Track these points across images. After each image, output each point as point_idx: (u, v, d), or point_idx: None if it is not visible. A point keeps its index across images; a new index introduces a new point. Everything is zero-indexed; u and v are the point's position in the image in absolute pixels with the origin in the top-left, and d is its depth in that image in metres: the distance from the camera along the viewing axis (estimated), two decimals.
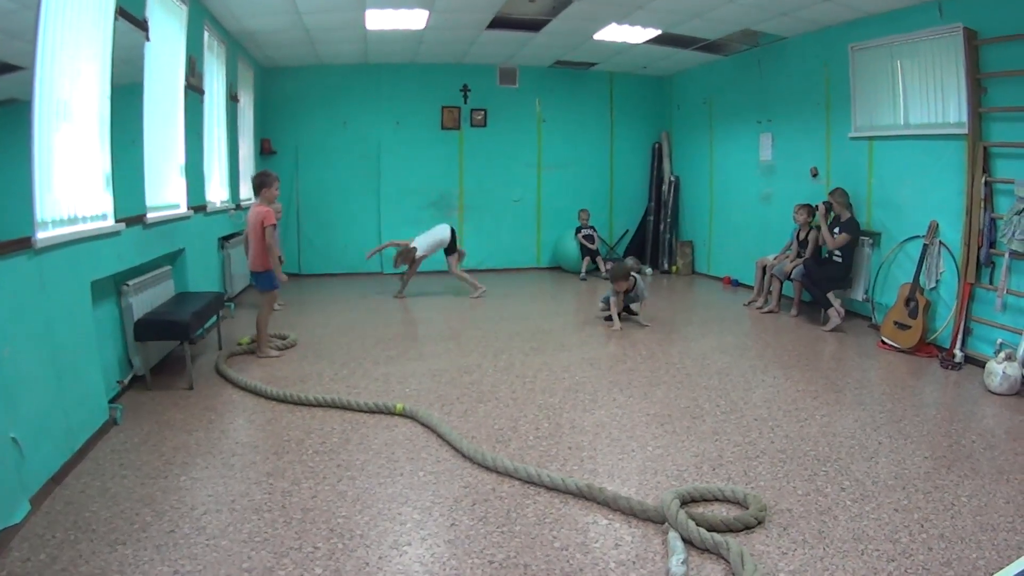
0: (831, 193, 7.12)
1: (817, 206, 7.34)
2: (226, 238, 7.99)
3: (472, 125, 11.18)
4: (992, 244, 5.65)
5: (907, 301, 6.23)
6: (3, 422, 2.95)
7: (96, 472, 3.60)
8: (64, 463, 3.54)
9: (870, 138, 7.16)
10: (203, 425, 4.32)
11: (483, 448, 3.86)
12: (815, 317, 7.36)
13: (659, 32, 8.43)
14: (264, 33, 8.32)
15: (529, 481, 3.49)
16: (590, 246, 10.78)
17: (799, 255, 7.66)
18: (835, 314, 6.93)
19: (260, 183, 6.07)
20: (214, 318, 6.16)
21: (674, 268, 11.33)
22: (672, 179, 11.54)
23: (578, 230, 10.96)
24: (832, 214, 7.24)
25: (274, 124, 10.56)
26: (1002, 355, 5.07)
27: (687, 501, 3.23)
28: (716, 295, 9.37)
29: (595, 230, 11.03)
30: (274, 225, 5.91)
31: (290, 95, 10.58)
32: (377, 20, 7.94)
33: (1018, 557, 2.64)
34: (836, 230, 7.09)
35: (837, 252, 7.08)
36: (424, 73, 10.83)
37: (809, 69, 8.08)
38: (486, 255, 11.08)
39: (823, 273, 7.14)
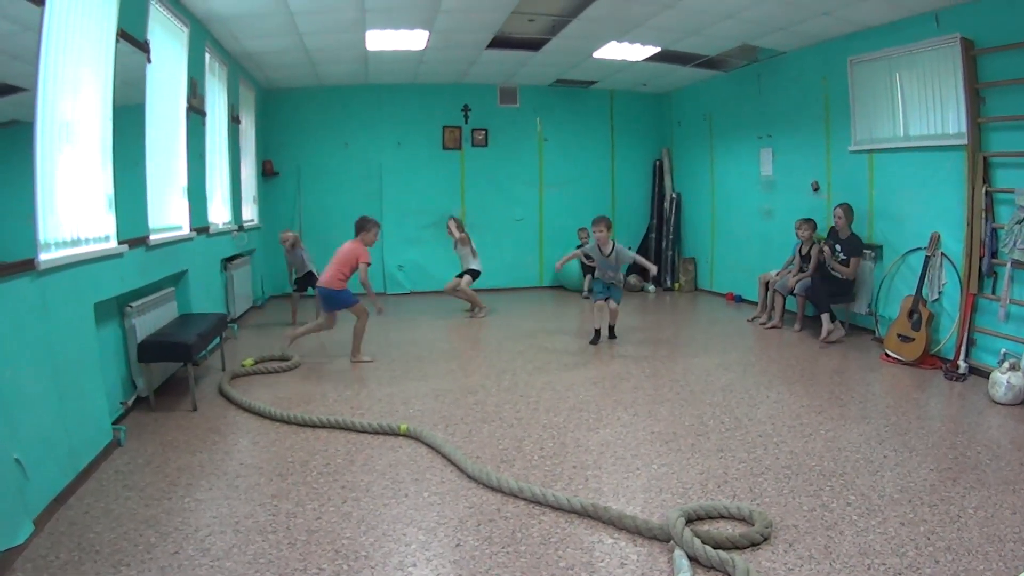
0: (838, 207, 7.09)
1: (823, 249, 7.26)
2: (229, 259, 8.02)
3: (473, 145, 11.23)
4: (994, 254, 5.65)
5: (910, 313, 6.22)
6: (6, 443, 2.95)
7: (100, 493, 3.59)
8: (68, 484, 3.53)
9: (870, 151, 7.17)
10: (207, 446, 4.31)
11: (488, 468, 3.85)
12: (818, 332, 7.34)
13: (658, 49, 8.47)
14: (265, 54, 8.39)
15: (534, 501, 3.47)
16: (590, 263, 10.76)
17: (801, 270, 7.65)
18: (827, 320, 6.93)
19: (360, 226, 6.66)
20: (217, 339, 6.16)
21: (677, 285, 11.33)
22: (673, 196, 11.56)
23: (579, 248, 10.96)
24: (830, 229, 7.26)
25: (276, 145, 10.61)
26: (1006, 365, 5.06)
27: (692, 519, 3.21)
28: (719, 311, 9.37)
29: None
30: (368, 264, 6.51)
31: (291, 116, 10.65)
32: (377, 41, 7.99)
33: None
34: (838, 248, 7.09)
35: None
36: (425, 93, 10.89)
37: (808, 83, 8.12)
38: (488, 274, 11.06)
39: (828, 288, 7.12)
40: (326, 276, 6.47)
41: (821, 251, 7.28)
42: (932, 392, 5.44)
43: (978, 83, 5.77)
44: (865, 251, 7.10)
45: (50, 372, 3.50)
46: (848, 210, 7.04)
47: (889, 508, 3.35)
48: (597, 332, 7.28)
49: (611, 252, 7.17)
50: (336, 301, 6.48)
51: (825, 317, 6.98)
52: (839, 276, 7.12)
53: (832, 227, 7.25)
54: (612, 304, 7.26)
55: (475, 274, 9.08)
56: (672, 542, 2.97)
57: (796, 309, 7.73)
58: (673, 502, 3.47)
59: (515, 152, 11.40)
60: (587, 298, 10.38)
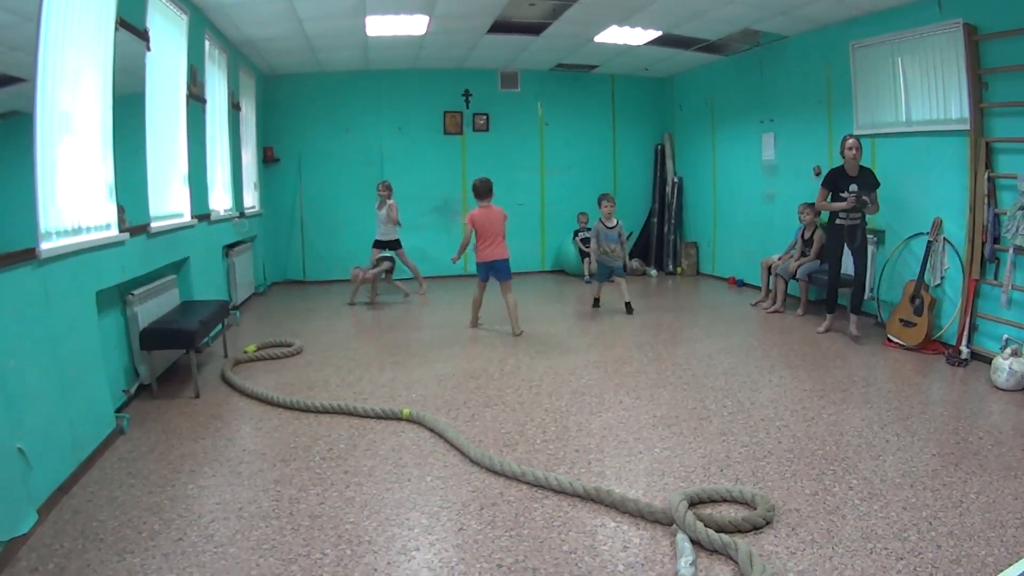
0: (850, 136, 6.42)
1: (857, 197, 6.28)
2: (231, 246, 8.01)
3: (474, 130, 11.19)
4: (996, 240, 5.63)
5: (912, 298, 6.21)
6: (9, 433, 2.96)
7: (103, 481, 3.61)
8: (71, 473, 3.54)
9: (872, 136, 7.13)
10: (210, 433, 4.32)
11: (490, 452, 3.86)
12: (821, 316, 7.31)
13: (660, 33, 8.43)
14: (265, 41, 8.35)
15: (537, 485, 3.48)
16: (587, 249, 10.78)
17: (803, 254, 7.64)
18: (855, 319, 6.64)
19: (490, 189, 7.01)
20: (219, 326, 6.17)
21: (679, 269, 11.32)
22: (675, 180, 11.53)
23: (576, 233, 10.98)
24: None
25: (276, 132, 10.58)
26: (1008, 351, 5.05)
27: (695, 502, 3.22)
28: (721, 296, 9.36)
29: None
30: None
31: (292, 102, 10.60)
32: (377, 26, 7.95)
33: None
34: (852, 187, 6.35)
35: (855, 216, 6.43)
36: (426, 78, 10.84)
37: (810, 68, 8.07)
38: None
39: (861, 255, 6.58)
40: (502, 248, 6.95)
41: (858, 198, 6.29)
42: (934, 377, 5.44)
43: (981, 69, 5.73)
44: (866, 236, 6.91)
45: (52, 361, 3.51)
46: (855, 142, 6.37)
47: (891, 492, 3.36)
48: (596, 300, 8.32)
49: (615, 224, 7.85)
50: (507, 270, 7.04)
51: (855, 317, 6.62)
52: (861, 218, 6.46)
53: (834, 170, 6.56)
54: (619, 280, 7.91)
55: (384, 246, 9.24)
56: (675, 526, 2.98)
57: (799, 294, 7.72)
58: (676, 486, 3.49)
59: (516, 137, 11.36)
60: (588, 283, 10.38)
